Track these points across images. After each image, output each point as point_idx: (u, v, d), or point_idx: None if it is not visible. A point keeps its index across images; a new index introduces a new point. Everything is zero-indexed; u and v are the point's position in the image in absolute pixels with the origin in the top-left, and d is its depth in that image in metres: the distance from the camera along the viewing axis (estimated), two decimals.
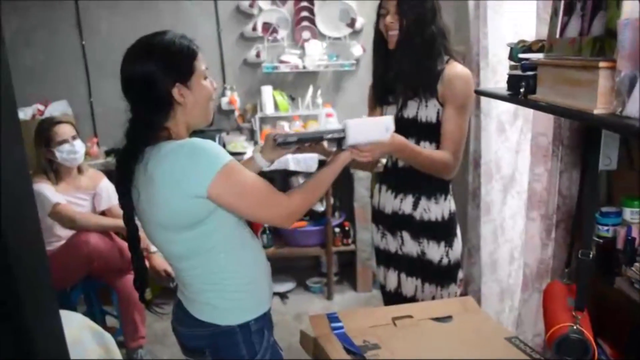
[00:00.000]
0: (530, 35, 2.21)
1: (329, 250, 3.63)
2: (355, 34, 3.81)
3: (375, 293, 3.68)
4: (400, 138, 1.74)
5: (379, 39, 1.95)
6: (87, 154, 3.45)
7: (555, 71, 1.18)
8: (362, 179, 3.56)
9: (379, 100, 2.05)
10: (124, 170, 1.42)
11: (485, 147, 2.72)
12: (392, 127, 1.62)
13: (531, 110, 2.14)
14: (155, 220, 1.41)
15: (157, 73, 1.36)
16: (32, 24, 3.78)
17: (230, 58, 3.89)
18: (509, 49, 1.73)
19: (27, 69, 3.78)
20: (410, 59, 1.86)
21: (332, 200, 3.61)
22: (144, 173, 1.36)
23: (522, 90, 1.30)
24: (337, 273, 3.88)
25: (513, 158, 2.53)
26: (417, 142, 1.93)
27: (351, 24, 3.72)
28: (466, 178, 3.01)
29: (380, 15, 1.92)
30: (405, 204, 2.02)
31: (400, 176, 2.04)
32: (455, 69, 1.88)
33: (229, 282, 1.47)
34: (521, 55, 1.36)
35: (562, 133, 2.03)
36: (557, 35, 1.20)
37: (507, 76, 1.47)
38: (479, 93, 1.75)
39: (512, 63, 1.51)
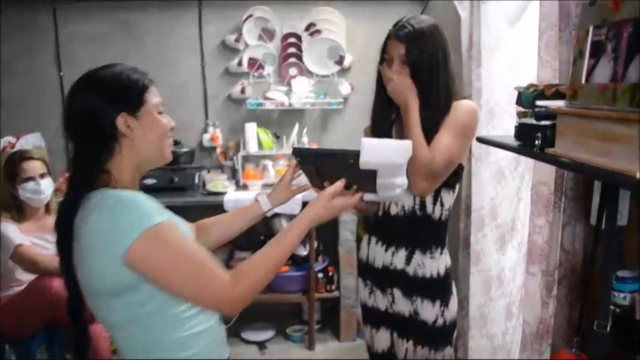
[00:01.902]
0: (530, 78, 2.06)
1: (311, 296, 3.40)
2: (344, 71, 3.67)
3: (359, 342, 3.44)
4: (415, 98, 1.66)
5: (381, 83, 1.79)
6: (58, 189, 3.22)
7: (581, 122, 0.99)
8: (347, 223, 3.36)
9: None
10: (63, 224, 1.21)
11: (477, 193, 2.54)
12: (411, 152, 1.46)
13: None
14: (83, 282, 1.20)
15: (99, 101, 1.21)
16: (11, 55, 3.58)
17: (214, 93, 3.73)
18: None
19: (4, 100, 3.57)
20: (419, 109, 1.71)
21: (315, 244, 3.39)
22: (75, 227, 1.17)
23: (537, 142, 1.10)
24: (320, 321, 3.64)
25: (514, 206, 2.34)
26: None
27: (339, 61, 3.58)
28: (458, 225, 2.82)
29: (384, 60, 1.76)
30: (397, 258, 1.83)
31: (392, 227, 1.85)
32: (459, 103, 1.74)
33: (173, 355, 1.24)
34: (539, 103, 1.18)
35: (565, 183, 1.86)
36: (583, 81, 1.01)
37: (516, 124, 1.28)
38: (481, 141, 1.57)
39: (521, 109, 1.33)
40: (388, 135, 1.83)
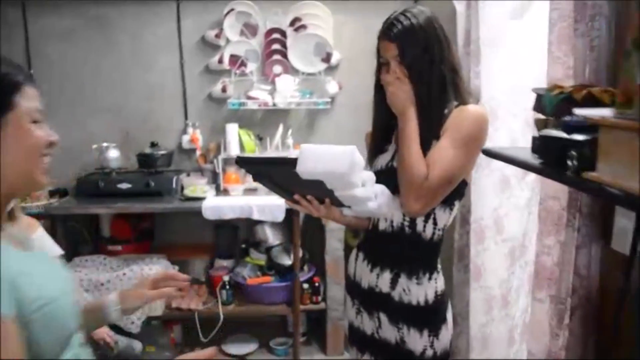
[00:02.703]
0: (535, 76, 1.78)
1: (296, 308, 3.10)
2: (331, 69, 3.36)
3: (347, 357, 3.16)
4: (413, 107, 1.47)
5: (380, 87, 1.54)
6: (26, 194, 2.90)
7: (637, 140, 0.69)
8: (334, 230, 3.06)
9: (377, 148, 1.65)
10: None
11: (477, 202, 2.25)
12: (358, 160, 1.29)
13: None
14: None
15: None
16: None
17: (193, 92, 3.41)
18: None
19: None
20: (417, 111, 1.48)
21: (300, 253, 3.08)
22: None
23: (572, 163, 0.80)
24: (305, 333, 3.34)
25: (525, 219, 2.05)
26: None
27: (327, 58, 3.27)
28: (452, 235, 2.53)
29: (379, 63, 1.53)
30: (382, 281, 1.58)
31: (379, 245, 1.61)
32: (464, 108, 1.47)
33: None
34: (578, 112, 0.87)
35: (581, 198, 1.56)
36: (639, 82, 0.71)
37: (536, 136, 0.98)
38: (489, 154, 1.26)
39: (540, 116, 1.02)
40: (387, 143, 1.62)
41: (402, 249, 1.56)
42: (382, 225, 1.59)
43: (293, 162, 1.27)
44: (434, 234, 1.55)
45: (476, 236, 2.29)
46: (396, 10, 1.50)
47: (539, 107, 1.05)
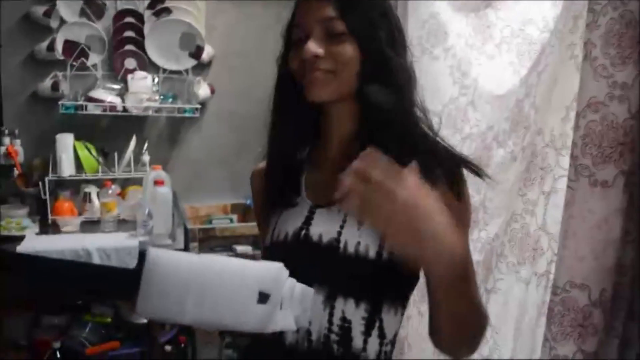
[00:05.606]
0: (493, 94, 1.10)
1: None
2: (201, 67, 2.68)
3: None
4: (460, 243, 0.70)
5: (288, 86, 0.90)
6: None
7: None
8: None
9: (278, 200, 0.95)
10: None
11: None
12: (280, 288, 0.69)
13: None
14: None
15: None
16: None
17: (12, 88, 2.49)
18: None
19: None
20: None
21: None
22: None
23: None
24: None
25: None
26: (331, 297, 0.86)
27: (196, 53, 2.56)
28: None
29: (290, 42, 0.89)
30: None
31: None
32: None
33: None
34: None
35: (636, 289, 0.89)
36: None
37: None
38: None
39: None
40: (295, 191, 0.92)
41: None
42: (292, 338, 0.87)
43: (131, 284, 0.66)
44: (380, 352, 0.87)
45: None
46: None
47: None
